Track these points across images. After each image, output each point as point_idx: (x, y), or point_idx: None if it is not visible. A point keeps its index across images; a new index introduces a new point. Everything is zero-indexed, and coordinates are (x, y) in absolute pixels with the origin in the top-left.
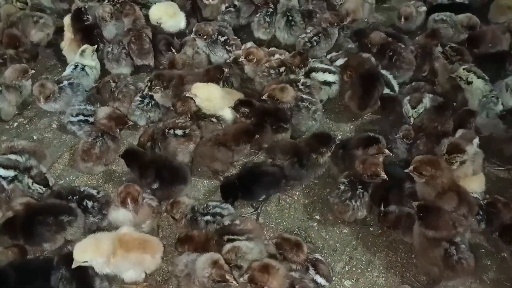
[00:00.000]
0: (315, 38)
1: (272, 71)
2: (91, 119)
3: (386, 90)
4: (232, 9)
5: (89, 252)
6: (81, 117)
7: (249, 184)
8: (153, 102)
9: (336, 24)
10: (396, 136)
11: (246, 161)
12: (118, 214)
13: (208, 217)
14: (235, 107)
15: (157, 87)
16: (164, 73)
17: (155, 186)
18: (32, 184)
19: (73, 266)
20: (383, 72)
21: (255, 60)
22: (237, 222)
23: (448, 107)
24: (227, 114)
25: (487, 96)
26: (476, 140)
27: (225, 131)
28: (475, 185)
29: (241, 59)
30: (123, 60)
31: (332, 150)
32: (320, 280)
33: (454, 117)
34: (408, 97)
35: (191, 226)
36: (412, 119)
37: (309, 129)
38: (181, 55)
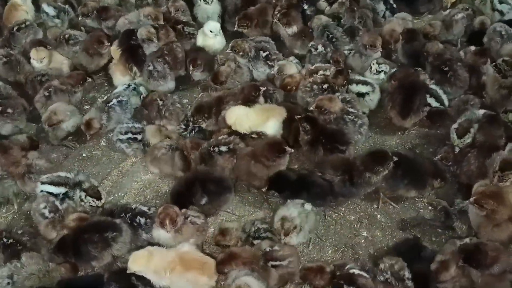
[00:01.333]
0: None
1: (315, 87)
2: (139, 137)
3: (436, 104)
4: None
5: (139, 263)
6: (129, 135)
7: (298, 188)
8: (196, 129)
9: (370, 45)
10: (435, 159)
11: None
12: (160, 232)
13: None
14: (299, 120)
15: (199, 120)
16: (203, 104)
17: (203, 201)
18: (85, 197)
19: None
20: (433, 86)
21: (294, 88)
22: (277, 248)
23: (501, 119)
24: (269, 129)
25: None
26: None
27: (258, 146)
28: None
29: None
30: (168, 75)
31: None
32: None
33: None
34: (455, 125)
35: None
36: (458, 149)
37: (355, 143)
38: (226, 67)
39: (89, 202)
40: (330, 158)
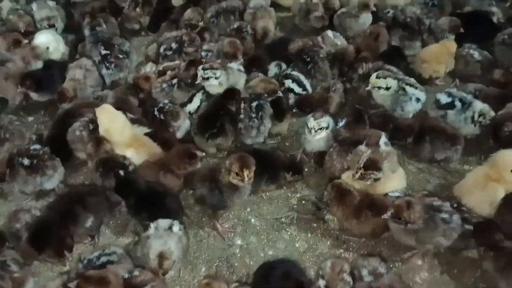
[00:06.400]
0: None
1: (165, 85)
2: None
3: (298, 89)
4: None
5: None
6: None
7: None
8: None
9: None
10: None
11: None
12: None
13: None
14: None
15: None
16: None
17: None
18: None
19: None
20: (294, 72)
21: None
22: (136, 273)
23: (365, 116)
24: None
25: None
26: (383, 139)
27: (167, 155)
28: (395, 183)
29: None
30: None
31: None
32: None
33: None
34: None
35: None
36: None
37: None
38: (68, 81)
39: None
40: (196, 171)
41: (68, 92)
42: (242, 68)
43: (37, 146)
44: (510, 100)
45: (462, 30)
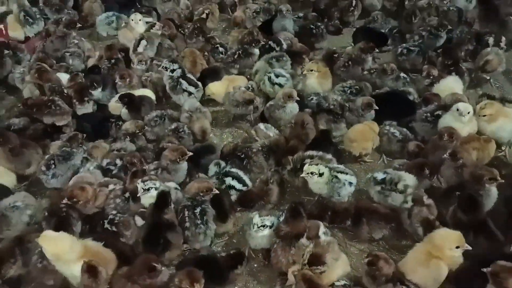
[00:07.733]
0: None
1: (118, 200)
2: None
3: (239, 186)
4: None
5: None
6: None
7: None
8: None
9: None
10: None
11: None
12: None
13: None
14: None
15: None
16: None
17: None
18: None
19: None
20: (234, 169)
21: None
22: None
23: (301, 210)
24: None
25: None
26: (322, 229)
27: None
28: (340, 270)
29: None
30: None
31: None
32: None
33: None
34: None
35: None
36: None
37: None
38: None
39: None
40: None
41: None
42: (178, 186)
43: None
44: (425, 168)
45: (376, 107)
